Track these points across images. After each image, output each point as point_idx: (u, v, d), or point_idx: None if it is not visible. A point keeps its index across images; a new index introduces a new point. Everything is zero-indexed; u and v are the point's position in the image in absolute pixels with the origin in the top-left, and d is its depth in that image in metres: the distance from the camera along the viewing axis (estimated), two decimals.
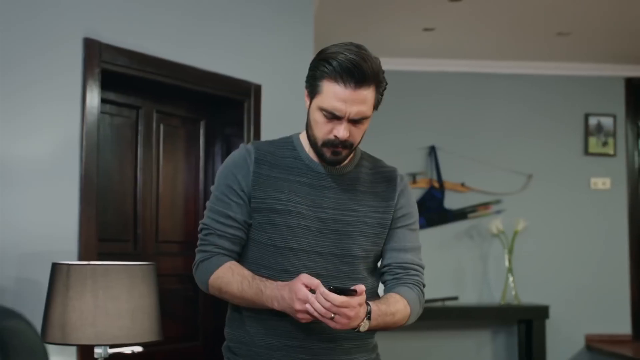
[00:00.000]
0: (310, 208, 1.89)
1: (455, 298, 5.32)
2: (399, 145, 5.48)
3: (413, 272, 1.96)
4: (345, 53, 1.78)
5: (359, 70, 1.76)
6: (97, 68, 2.88)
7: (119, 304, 2.32)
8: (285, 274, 1.86)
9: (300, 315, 1.74)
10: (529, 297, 5.47)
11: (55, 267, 2.37)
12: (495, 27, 4.84)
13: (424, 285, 1.98)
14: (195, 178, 3.60)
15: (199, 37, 3.36)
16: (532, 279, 5.50)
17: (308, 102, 1.88)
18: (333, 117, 1.80)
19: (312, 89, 1.83)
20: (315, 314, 1.69)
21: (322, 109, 1.81)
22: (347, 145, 1.83)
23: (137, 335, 2.36)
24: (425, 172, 5.54)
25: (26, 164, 2.71)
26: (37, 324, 2.44)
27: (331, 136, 1.82)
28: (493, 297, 5.51)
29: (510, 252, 5.39)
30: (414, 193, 5.30)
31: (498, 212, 5.52)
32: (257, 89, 3.56)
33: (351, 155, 1.95)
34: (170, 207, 3.47)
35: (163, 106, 3.44)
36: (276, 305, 1.78)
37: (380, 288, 2.03)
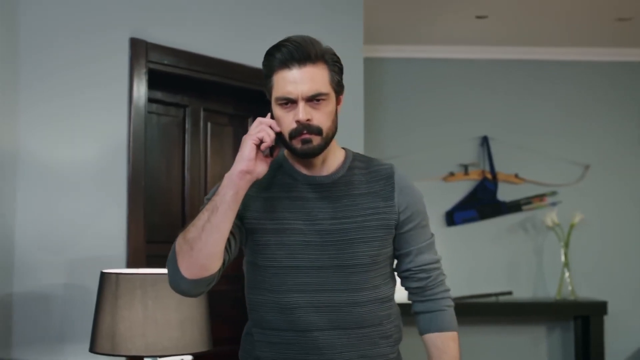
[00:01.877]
0: (307, 222, 1.81)
1: (509, 293, 5.18)
2: (450, 135, 5.35)
3: (434, 272, 1.91)
4: (286, 41, 1.76)
5: (300, 50, 1.73)
6: (143, 68, 2.83)
7: (168, 314, 2.28)
8: (288, 294, 1.81)
9: (256, 137, 1.70)
10: (586, 292, 5.30)
11: (103, 276, 2.34)
12: (551, 12, 4.66)
13: (445, 279, 1.94)
14: None
15: (245, 34, 3.28)
16: (589, 273, 5.32)
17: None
18: (289, 102, 1.73)
19: (268, 89, 1.79)
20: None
21: (277, 100, 1.75)
22: (313, 129, 1.74)
23: (187, 346, 2.32)
24: (477, 163, 5.39)
25: (73, 167, 2.68)
26: (87, 332, 2.41)
27: (294, 124, 1.74)
28: (548, 292, 5.35)
29: (567, 245, 5.22)
30: (466, 185, 5.33)
31: (553, 204, 5.34)
32: None
33: (343, 156, 1.88)
34: None
35: (210, 104, 3.38)
36: (235, 177, 1.68)
37: (400, 292, 1.95)
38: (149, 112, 2.99)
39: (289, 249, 1.80)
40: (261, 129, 1.71)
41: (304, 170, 1.85)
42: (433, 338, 1.89)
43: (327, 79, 1.76)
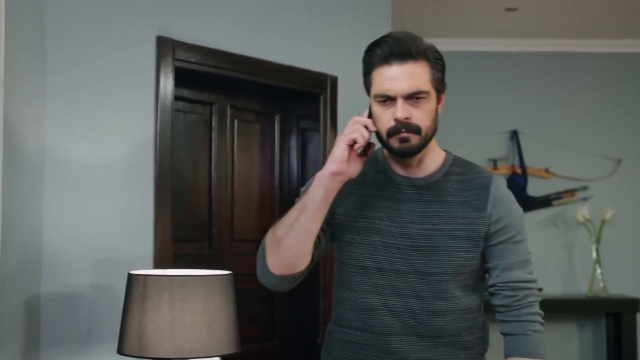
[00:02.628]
0: (393, 224, 1.77)
1: (539, 289, 5.06)
2: (479, 130, 5.28)
3: (522, 292, 1.80)
4: (387, 37, 1.73)
5: (401, 46, 1.69)
6: (170, 66, 2.80)
7: (196, 316, 2.25)
8: (365, 294, 1.79)
9: (350, 137, 1.69)
10: (618, 289, 5.20)
11: (131, 277, 2.31)
12: (582, 3, 4.57)
13: (538, 302, 1.84)
14: (271, 174, 3.51)
15: (272, 30, 3.24)
16: (621, 270, 5.23)
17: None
18: (387, 99, 1.69)
19: (367, 85, 1.75)
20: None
21: (376, 97, 1.71)
22: (412, 128, 1.70)
23: (215, 348, 2.29)
24: (506, 157, 5.31)
25: (100, 166, 2.66)
26: (114, 333, 2.40)
27: (392, 122, 1.70)
28: (579, 288, 5.26)
29: (598, 241, 5.12)
30: None
31: (585, 199, 5.26)
32: (334, 80, 3.43)
33: (442, 157, 1.84)
34: (246, 205, 3.38)
35: (237, 101, 3.35)
36: (326, 178, 1.68)
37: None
38: (176, 110, 2.96)
39: (369, 249, 1.78)
40: (355, 129, 1.68)
41: (399, 170, 1.81)
42: None
43: (428, 76, 1.71)
